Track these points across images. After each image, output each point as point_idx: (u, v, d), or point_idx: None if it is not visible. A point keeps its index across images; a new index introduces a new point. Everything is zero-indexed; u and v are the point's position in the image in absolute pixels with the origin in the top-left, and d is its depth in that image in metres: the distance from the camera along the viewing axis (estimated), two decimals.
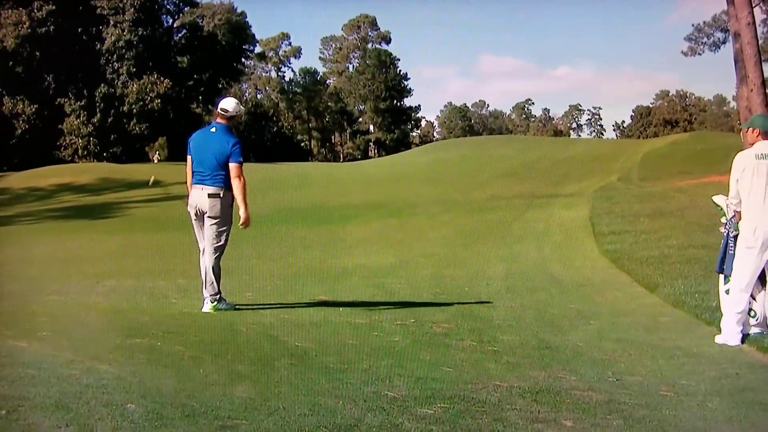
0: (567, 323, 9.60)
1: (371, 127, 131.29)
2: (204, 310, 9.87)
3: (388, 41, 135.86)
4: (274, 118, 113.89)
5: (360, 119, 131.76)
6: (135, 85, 73.19)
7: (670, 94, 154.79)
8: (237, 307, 10.10)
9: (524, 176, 41.91)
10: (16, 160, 66.33)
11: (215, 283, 9.95)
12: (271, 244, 19.22)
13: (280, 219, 26.18)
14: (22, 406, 5.19)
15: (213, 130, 10.23)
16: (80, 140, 71.61)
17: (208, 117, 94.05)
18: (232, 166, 9.89)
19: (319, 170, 58.68)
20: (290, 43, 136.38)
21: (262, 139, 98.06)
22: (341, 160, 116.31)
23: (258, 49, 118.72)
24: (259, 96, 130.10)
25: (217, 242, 9.98)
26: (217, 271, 9.98)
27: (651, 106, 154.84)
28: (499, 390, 6.21)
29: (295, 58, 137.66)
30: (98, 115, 72.23)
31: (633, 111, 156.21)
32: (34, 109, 70.22)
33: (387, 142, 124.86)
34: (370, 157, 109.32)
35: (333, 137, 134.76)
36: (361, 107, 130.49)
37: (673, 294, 11.18)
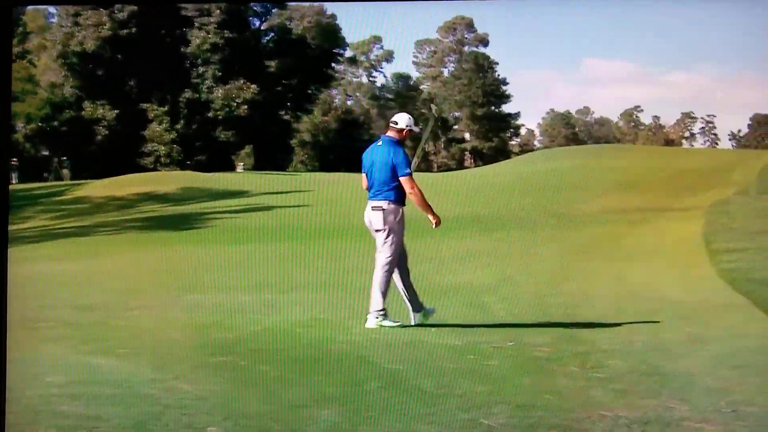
0: (679, 348, 9.45)
1: (467, 135, 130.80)
2: (368, 325, 10.29)
3: (485, 44, 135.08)
4: (365, 126, 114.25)
5: (455, 127, 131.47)
6: (221, 91, 73.99)
7: None
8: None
9: (635, 189, 41.37)
10: (96, 168, 67.56)
11: (380, 299, 10.36)
12: (364, 260, 19.27)
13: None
14: (98, 426, 5.28)
15: (380, 143, 10.77)
16: (163, 147, 72.52)
17: (297, 124, 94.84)
18: (402, 180, 10.40)
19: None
20: (382, 47, 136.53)
21: (352, 147, 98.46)
22: (435, 170, 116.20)
23: (349, 53, 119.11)
24: (349, 102, 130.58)
25: (384, 255, 10.49)
26: (383, 287, 10.40)
27: None
28: (605, 420, 6.15)
29: (388, 62, 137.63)
30: (182, 121, 73.17)
31: (750, 119, 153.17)
32: (115, 115, 71.43)
33: (484, 150, 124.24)
34: (466, 167, 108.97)
35: (426, 146, 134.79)
36: (457, 114, 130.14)
37: None
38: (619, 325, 11.07)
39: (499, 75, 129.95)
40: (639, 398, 6.92)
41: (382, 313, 10.30)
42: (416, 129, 11.05)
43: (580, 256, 20.09)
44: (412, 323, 10.47)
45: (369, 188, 10.68)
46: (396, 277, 10.64)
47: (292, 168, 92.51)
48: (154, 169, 69.87)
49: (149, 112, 73.31)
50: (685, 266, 17.65)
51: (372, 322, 10.28)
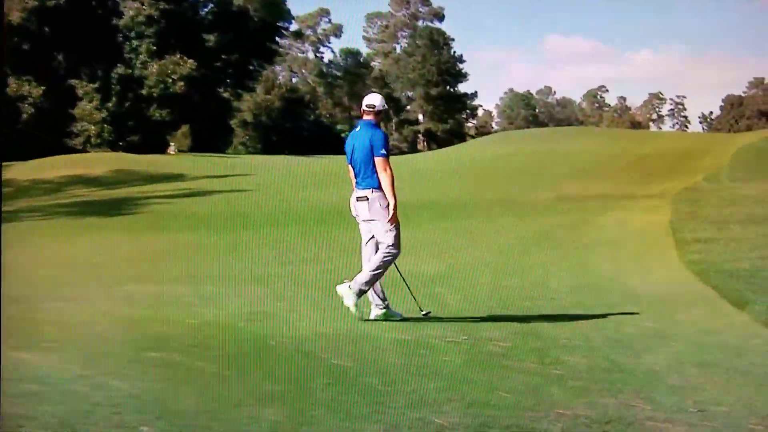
0: (643, 344, 9.53)
1: (421, 116, 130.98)
2: (338, 288, 10.56)
3: (441, 18, 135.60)
4: (312, 105, 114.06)
5: (408, 107, 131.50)
6: (156, 66, 73.39)
7: (766, 82, 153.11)
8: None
9: (598, 174, 41.60)
10: (21, 149, 66.71)
11: (368, 281, 10.52)
12: (308, 248, 19.29)
13: (318, 219, 26.25)
14: (23, 426, 5.25)
15: (358, 129, 10.95)
16: (93, 127, 71.82)
17: (237, 102, 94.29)
18: (376, 160, 10.57)
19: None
20: (330, 21, 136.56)
21: (297, 128, 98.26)
22: None
23: (294, 27, 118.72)
24: (294, 80, 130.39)
25: (388, 243, 10.57)
26: (377, 270, 10.53)
27: (743, 95, 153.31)
28: (563, 419, 6.20)
29: (336, 37, 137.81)
30: (114, 99, 72.49)
31: (722, 101, 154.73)
32: (41, 92, 70.46)
33: (438, 133, 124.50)
34: (419, 151, 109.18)
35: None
36: (410, 93, 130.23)
37: (766, 312, 11.06)
38: (578, 319, 11.17)
39: (455, 52, 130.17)
40: (600, 396, 6.98)
41: (358, 293, 10.40)
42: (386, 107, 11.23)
43: (537, 245, 20.22)
44: (371, 317, 10.51)
45: (355, 176, 10.81)
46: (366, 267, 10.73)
47: (232, 150, 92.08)
48: (84, 151, 69.11)
49: (78, 89, 72.44)
50: (650, 257, 17.81)
51: (344, 287, 10.46)
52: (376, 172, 10.55)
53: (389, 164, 10.60)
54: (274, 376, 7.28)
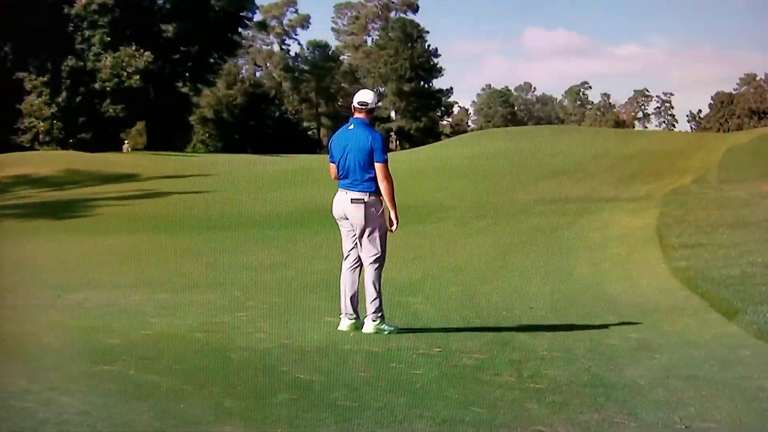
0: (626, 356, 9.55)
1: (393, 114, 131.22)
2: (365, 330, 10.44)
3: (415, 9, 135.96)
4: (277, 101, 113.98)
5: (379, 104, 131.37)
6: (109, 58, 73.14)
7: (758, 79, 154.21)
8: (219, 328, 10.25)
9: (579, 175, 41.79)
10: None
11: (377, 300, 10.48)
12: (268, 254, 19.27)
13: (280, 223, 26.24)
14: None
15: (351, 127, 10.78)
16: (42, 123, 71.54)
17: (197, 98, 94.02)
18: (377, 167, 10.45)
19: (328, 165, 58.43)
20: (297, 11, 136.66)
21: (261, 125, 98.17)
22: None
23: (258, 17, 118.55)
24: (258, 73, 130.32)
25: (373, 252, 10.56)
26: (377, 286, 10.50)
27: (734, 92, 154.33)
28: None
29: (303, 28, 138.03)
30: (64, 93, 72.19)
31: (712, 98, 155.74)
32: None
33: (411, 131, 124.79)
34: (391, 150, 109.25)
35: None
36: (381, 89, 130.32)
37: (757, 322, 11.10)
38: (558, 329, 11.19)
39: (429, 45, 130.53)
40: (581, 412, 6.98)
41: (380, 315, 10.38)
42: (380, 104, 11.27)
43: (514, 250, 20.26)
44: (341, 328, 10.47)
45: (342, 177, 10.65)
46: (347, 274, 10.70)
47: (190, 148, 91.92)
48: (32, 148, 68.91)
49: (26, 83, 72.13)
50: (634, 263, 17.86)
51: (369, 326, 10.39)
52: (374, 176, 10.46)
53: (389, 170, 10.53)
54: (234, 391, 7.26)
